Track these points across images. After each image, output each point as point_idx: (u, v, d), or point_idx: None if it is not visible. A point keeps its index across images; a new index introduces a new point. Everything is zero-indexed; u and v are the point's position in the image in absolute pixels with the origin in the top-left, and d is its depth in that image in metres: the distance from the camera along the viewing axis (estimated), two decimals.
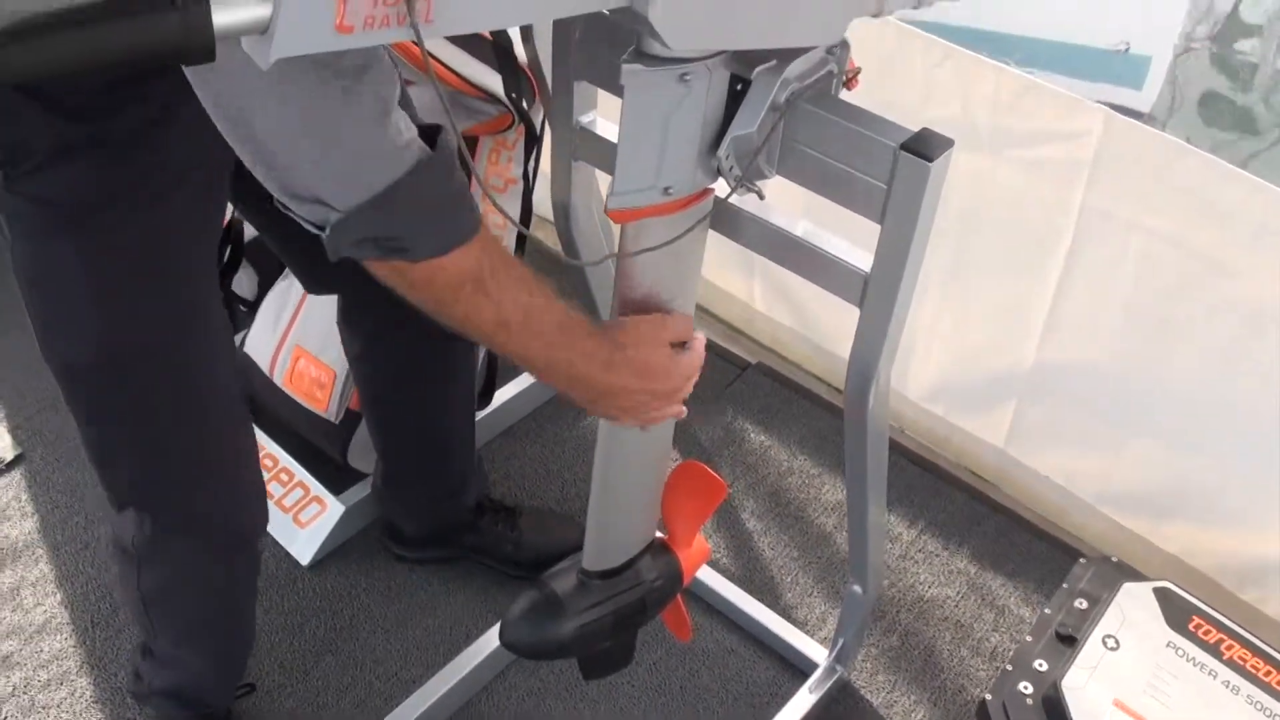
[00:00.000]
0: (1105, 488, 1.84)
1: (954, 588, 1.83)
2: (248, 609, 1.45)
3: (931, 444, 2.05)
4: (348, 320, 1.58)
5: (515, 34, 1.61)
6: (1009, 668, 1.52)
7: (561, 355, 0.98)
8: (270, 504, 1.83)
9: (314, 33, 0.61)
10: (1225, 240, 1.52)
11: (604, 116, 1.20)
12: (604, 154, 1.20)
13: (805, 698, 1.63)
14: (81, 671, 1.67)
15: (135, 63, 0.57)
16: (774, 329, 2.19)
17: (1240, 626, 1.55)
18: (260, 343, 1.88)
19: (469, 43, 1.63)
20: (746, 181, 0.97)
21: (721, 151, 0.93)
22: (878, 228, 1.01)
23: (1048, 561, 1.85)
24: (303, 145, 0.81)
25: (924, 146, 0.95)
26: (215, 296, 1.19)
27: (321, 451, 1.88)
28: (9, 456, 1.96)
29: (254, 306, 1.94)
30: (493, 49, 1.62)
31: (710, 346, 2.20)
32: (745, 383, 2.15)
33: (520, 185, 1.78)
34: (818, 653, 1.68)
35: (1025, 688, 1.49)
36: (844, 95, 1.01)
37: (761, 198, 1.02)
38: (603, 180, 1.18)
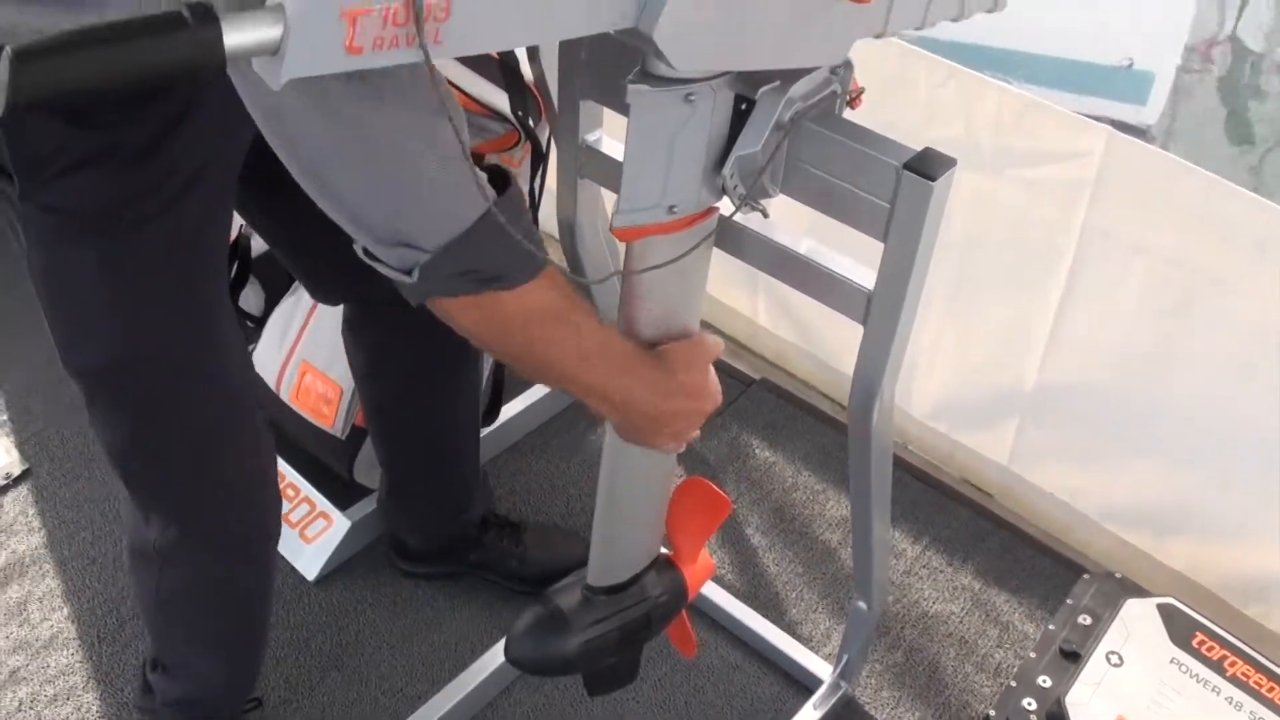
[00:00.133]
0: (1109, 504, 1.85)
1: (958, 604, 1.83)
2: (263, 615, 1.46)
3: (935, 460, 2.05)
4: (353, 334, 1.59)
5: (522, 53, 1.62)
6: (1013, 684, 1.52)
7: (625, 383, 1.00)
8: None
9: (324, 54, 0.62)
10: (1226, 257, 1.53)
11: (609, 135, 1.22)
12: (609, 172, 1.21)
13: (810, 714, 1.63)
14: (88, 687, 1.68)
15: (149, 81, 0.58)
16: (778, 345, 2.20)
17: (1244, 642, 1.55)
18: (267, 358, 1.89)
19: (476, 61, 1.64)
20: (751, 200, 0.98)
21: (726, 170, 0.94)
22: (878, 241, 1.02)
23: (1052, 577, 1.85)
24: (391, 190, 0.82)
25: (926, 166, 0.96)
26: (227, 300, 1.21)
27: (328, 467, 1.88)
28: (16, 471, 1.97)
29: (261, 322, 1.95)
30: (499, 67, 1.64)
31: (715, 362, 2.21)
32: (750, 399, 2.16)
33: (526, 202, 1.79)
34: (822, 669, 1.68)
35: (1029, 704, 1.49)
36: (848, 114, 1.02)
37: (765, 216, 1.03)
38: (608, 198, 1.19)
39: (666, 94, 0.86)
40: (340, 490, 1.87)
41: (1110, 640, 1.55)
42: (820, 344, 2.11)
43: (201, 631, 1.42)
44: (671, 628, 1.36)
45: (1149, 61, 2.26)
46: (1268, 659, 1.54)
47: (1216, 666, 1.52)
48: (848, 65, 0.99)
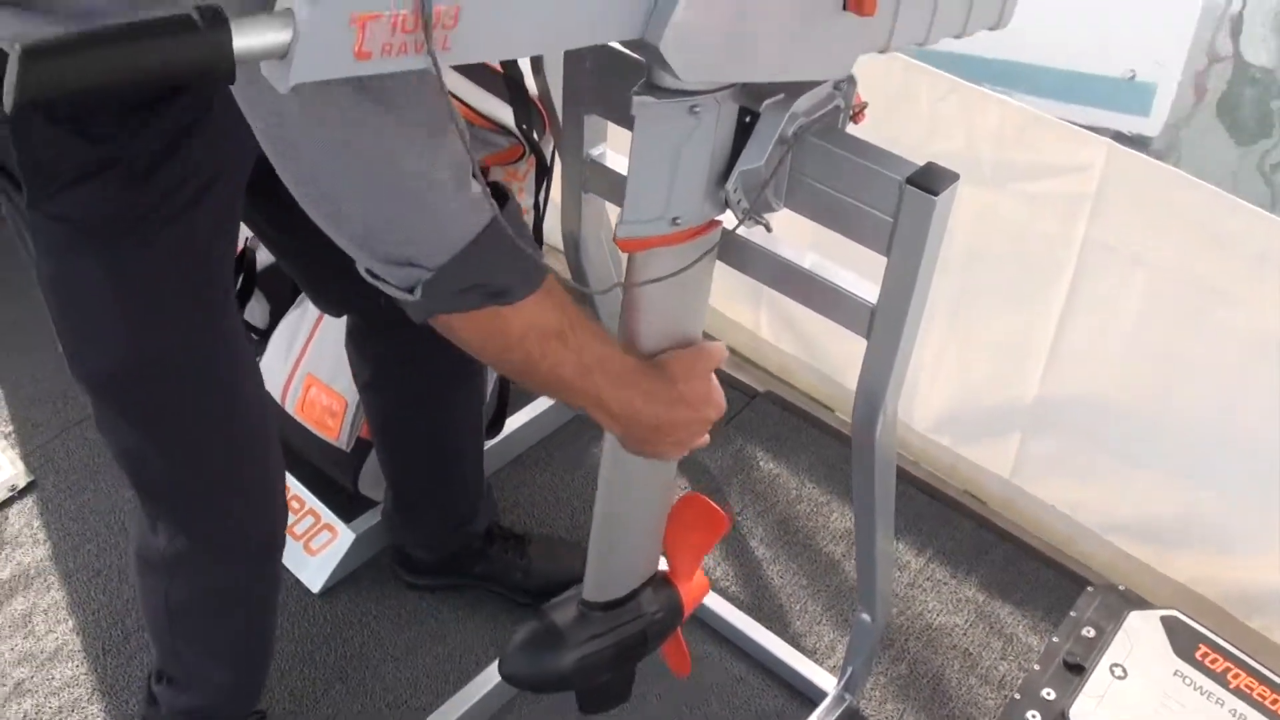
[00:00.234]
0: (1111, 517, 1.85)
1: (962, 616, 1.83)
2: (269, 625, 1.47)
3: (938, 473, 2.05)
4: (358, 346, 1.59)
5: (526, 67, 1.63)
6: (1017, 696, 1.52)
7: (626, 395, 1.00)
8: None
9: (333, 59, 0.62)
10: (1227, 270, 1.54)
11: (613, 149, 1.22)
12: (613, 186, 1.22)
13: None
14: (93, 699, 1.68)
15: (157, 81, 0.58)
16: (781, 358, 2.21)
17: (1247, 655, 1.55)
18: (272, 371, 1.89)
19: (481, 75, 1.65)
20: (754, 214, 0.98)
21: (730, 185, 0.95)
22: (881, 255, 1.03)
23: (1055, 590, 1.85)
24: (392, 203, 0.82)
25: (929, 180, 0.96)
26: (235, 310, 1.22)
27: (332, 480, 1.89)
28: (21, 483, 1.97)
29: (266, 335, 1.96)
30: (504, 82, 1.65)
31: (719, 375, 2.21)
32: (753, 411, 2.16)
33: (531, 215, 1.80)
34: (826, 681, 1.69)
35: (1033, 716, 1.49)
36: (851, 129, 1.03)
37: (769, 230, 1.04)
38: (612, 212, 1.20)
39: (671, 105, 0.87)
40: (345, 503, 1.88)
41: (1114, 653, 1.55)
42: (823, 357, 2.12)
43: (208, 641, 1.42)
44: (666, 646, 1.35)
45: (1151, 73, 2.27)
46: (1271, 671, 1.54)
47: (1220, 679, 1.52)
48: (851, 80, 1.00)
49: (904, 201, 0.97)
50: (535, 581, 1.78)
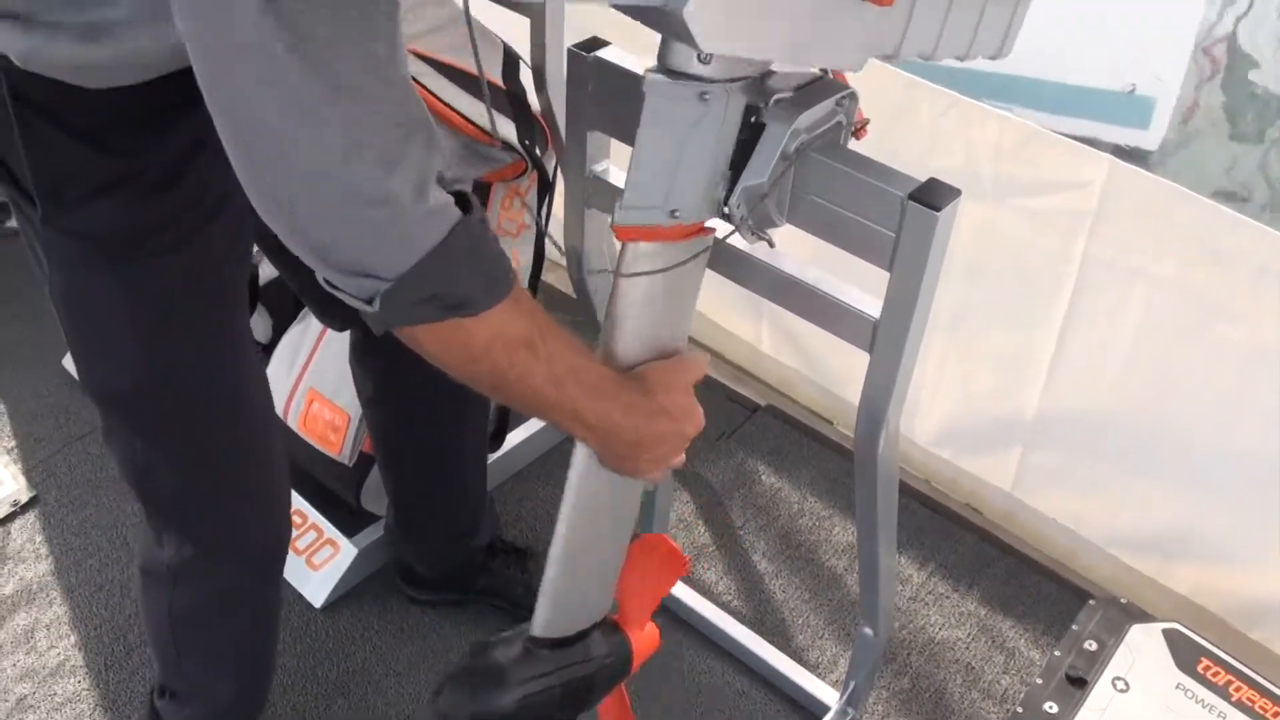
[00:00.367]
0: (1113, 530, 1.85)
1: (964, 630, 1.83)
2: (271, 636, 1.47)
3: (940, 486, 2.06)
4: (361, 362, 1.60)
5: (529, 83, 1.64)
6: (1019, 710, 1.52)
7: (604, 407, 0.97)
8: None
9: None
10: (1226, 284, 1.54)
11: (616, 165, 1.23)
12: (616, 202, 1.22)
13: None
14: (95, 714, 1.68)
15: None
16: (782, 371, 2.21)
17: (1249, 667, 1.56)
18: (274, 386, 1.88)
19: (483, 91, 1.65)
20: (758, 230, 0.99)
21: (733, 200, 0.95)
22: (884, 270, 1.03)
23: (1057, 603, 1.86)
24: (347, 218, 0.81)
25: (931, 196, 0.97)
26: (247, 325, 1.23)
27: (335, 494, 1.89)
28: (24, 499, 1.98)
29: (268, 350, 1.97)
30: (507, 97, 1.65)
31: (720, 389, 2.22)
32: (755, 425, 2.16)
33: (533, 230, 1.81)
34: (829, 695, 1.68)
35: None
36: (853, 145, 1.04)
37: (771, 245, 1.04)
38: None
39: (682, 87, 0.87)
40: (347, 517, 1.88)
41: (1116, 666, 1.55)
42: (824, 371, 2.12)
43: (211, 649, 1.42)
44: (608, 702, 1.24)
45: (1151, 87, 2.28)
46: (1272, 683, 1.54)
47: (1222, 691, 1.52)
48: (853, 96, 1.01)
49: (906, 217, 0.98)
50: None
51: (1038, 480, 1.91)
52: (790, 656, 1.75)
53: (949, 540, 1.97)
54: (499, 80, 1.64)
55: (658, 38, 0.88)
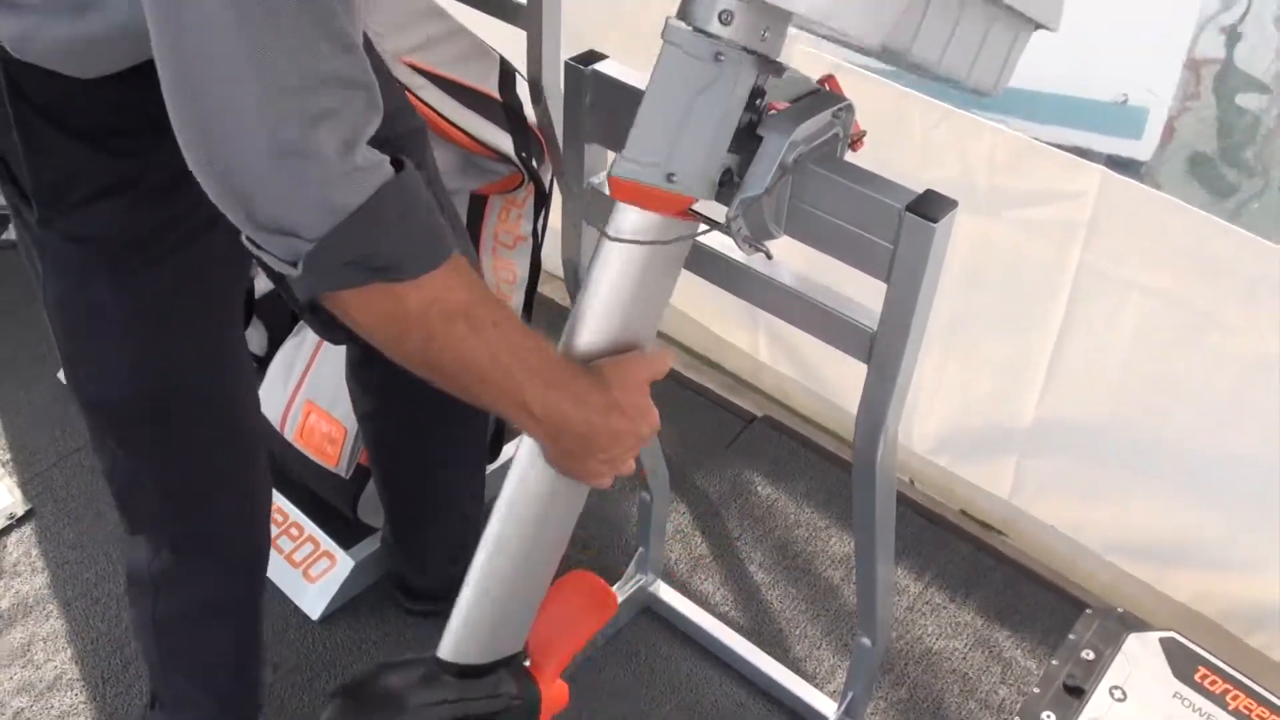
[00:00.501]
0: (1111, 538, 1.86)
1: (961, 640, 1.83)
2: (255, 645, 1.46)
3: (937, 495, 2.06)
4: (358, 378, 1.60)
5: (525, 96, 1.64)
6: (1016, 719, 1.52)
7: (553, 396, 0.92)
8: (280, 559, 1.85)
9: None
10: (1221, 294, 1.55)
11: None
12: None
13: None
14: None
15: None
16: (779, 381, 2.21)
17: (1246, 676, 1.56)
18: (271, 398, 1.90)
19: (480, 104, 1.66)
20: (755, 242, 0.99)
21: (731, 213, 0.96)
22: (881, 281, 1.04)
23: (1055, 612, 1.86)
24: (268, 167, 0.79)
25: (928, 208, 0.97)
26: (242, 336, 1.22)
27: (332, 506, 1.89)
28: (19, 512, 1.97)
29: (264, 363, 1.97)
30: (503, 110, 1.66)
31: (717, 399, 2.23)
32: (752, 435, 2.17)
33: (529, 242, 1.81)
34: (827, 706, 1.68)
35: None
36: (849, 157, 1.04)
37: (769, 257, 1.05)
38: None
39: (700, 41, 0.87)
40: (344, 529, 1.88)
41: (1113, 675, 1.55)
42: (822, 381, 2.13)
43: (195, 659, 1.42)
44: None
45: (1143, 97, 2.29)
46: (1270, 692, 1.54)
47: (1219, 700, 1.53)
48: (849, 108, 1.01)
49: (903, 229, 0.98)
50: None
51: (1035, 488, 1.91)
52: (788, 667, 1.75)
53: (945, 550, 1.97)
54: (495, 93, 1.65)
55: (654, 54, 0.89)
